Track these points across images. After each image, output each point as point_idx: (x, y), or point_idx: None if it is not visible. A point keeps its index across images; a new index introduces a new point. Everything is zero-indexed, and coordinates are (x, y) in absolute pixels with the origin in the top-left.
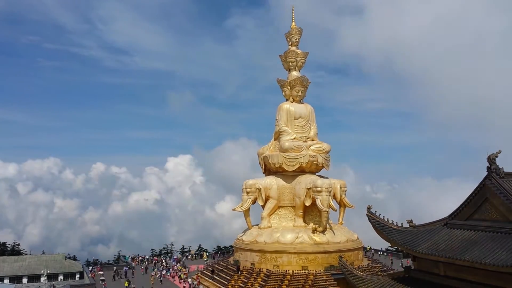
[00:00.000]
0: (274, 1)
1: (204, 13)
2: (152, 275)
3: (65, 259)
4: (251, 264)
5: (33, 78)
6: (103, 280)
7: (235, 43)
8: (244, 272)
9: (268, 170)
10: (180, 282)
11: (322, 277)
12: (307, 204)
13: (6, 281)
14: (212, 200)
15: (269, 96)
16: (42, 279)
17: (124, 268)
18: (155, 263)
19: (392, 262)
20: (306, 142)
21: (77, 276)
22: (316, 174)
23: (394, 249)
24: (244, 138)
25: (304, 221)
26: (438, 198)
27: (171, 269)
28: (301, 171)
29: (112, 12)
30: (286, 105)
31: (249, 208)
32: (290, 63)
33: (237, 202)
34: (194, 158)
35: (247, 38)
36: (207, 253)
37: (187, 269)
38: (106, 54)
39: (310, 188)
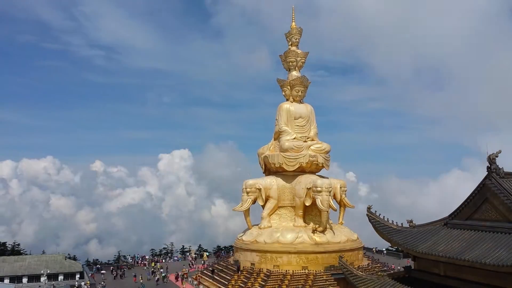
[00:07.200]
0: None
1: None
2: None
3: (65, 259)
4: (251, 264)
5: (23, 77)
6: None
7: (224, 41)
8: (244, 272)
9: (268, 170)
10: (180, 282)
11: (322, 277)
12: (307, 204)
13: (6, 281)
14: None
15: (264, 95)
16: (42, 279)
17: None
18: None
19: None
20: (306, 142)
21: (77, 276)
22: (316, 174)
23: (394, 249)
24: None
25: (304, 221)
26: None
27: None
28: (301, 171)
29: (96, 8)
30: (286, 105)
31: (249, 208)
32: (290, 63)
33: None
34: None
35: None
36: (207, 253)
37: (187, 269)
38: (94, 52)
39: (310, 188)
